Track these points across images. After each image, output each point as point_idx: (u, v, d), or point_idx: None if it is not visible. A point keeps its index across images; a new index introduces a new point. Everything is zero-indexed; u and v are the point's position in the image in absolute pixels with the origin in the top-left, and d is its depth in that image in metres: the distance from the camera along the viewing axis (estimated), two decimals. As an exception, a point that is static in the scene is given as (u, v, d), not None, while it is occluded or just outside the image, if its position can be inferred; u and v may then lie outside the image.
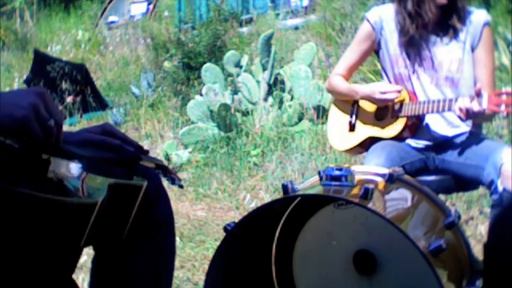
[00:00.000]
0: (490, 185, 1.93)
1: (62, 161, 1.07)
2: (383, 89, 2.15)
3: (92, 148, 1.21)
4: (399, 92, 2.14)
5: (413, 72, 2.16)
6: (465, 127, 2.17)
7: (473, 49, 2.13)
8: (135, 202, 1.15)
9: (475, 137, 2.14)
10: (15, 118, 0.96)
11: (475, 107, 1.91)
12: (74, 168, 1.10)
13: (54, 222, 0.92)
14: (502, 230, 1.91)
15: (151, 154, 1.46)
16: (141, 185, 1.14)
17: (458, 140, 2.17)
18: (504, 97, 1.88)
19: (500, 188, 1.88)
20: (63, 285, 1.08)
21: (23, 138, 0.98)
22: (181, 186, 1.33)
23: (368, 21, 2.23)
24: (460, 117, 1.98)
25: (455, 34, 2.12)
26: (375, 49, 2.27)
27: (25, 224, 0.90)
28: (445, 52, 2.13)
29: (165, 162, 1.41)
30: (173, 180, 1.34)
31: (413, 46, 2.15)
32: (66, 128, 1.29)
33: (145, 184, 1.14)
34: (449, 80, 2.13)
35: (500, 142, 2.16)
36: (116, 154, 1.20)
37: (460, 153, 2.10)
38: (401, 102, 2.16)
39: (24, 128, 0.97)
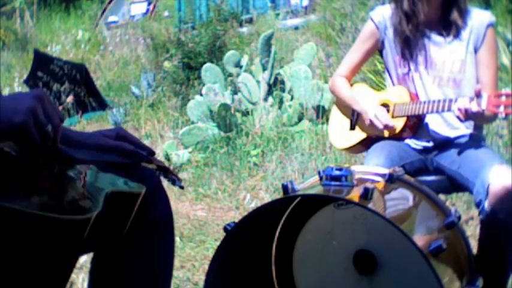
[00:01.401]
0: (479, 204, 1.90)
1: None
2: (379, 114, 2.13)
3: (95, 151, 1.21)
4: (390, 128, 2.12)
5: (416, 73, 2.16)
6: (465, 129, 2.16)
7: (476, 50, 2.11)
8: (133, 209, 1.15)
9: (473, 142, 2.12)
10: (14, 123, 0.95)
11: (474, 107, 1.90)
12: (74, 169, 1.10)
13: (46, 239, 0.90)
14: (490, 247, 1.93)
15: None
16: (139, 192, 1.14)
17: (456, 143, 2.15)
18: (504, 98, 1.86)
19: (487, 209, 1.85)
20: None
21: (21, 143, 0.98)
22: (181, 187, 1.34)
23: (372, 20, 2.22)
24: (458, 118, 1.96)
25: (458, 32, 2.11)
26: (378, 48, 2.27)
27: (15, 240, 0.89)
28: (448, 52, 2.13)
29: (166, 163, 1.42)
30: (174, 181, 1.35)
31: (416, 46, 2.14)
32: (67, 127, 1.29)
33: (143, 191, 1.14)
34: (452, 80, 2.13)
35: (493, 155, 2.08)
36: (130, 159, 1.23)
37: (455, 160, 2.08)
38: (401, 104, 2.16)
39: (22, 133, 0.96)
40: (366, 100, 2.22)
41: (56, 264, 0.95)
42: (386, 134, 2.18)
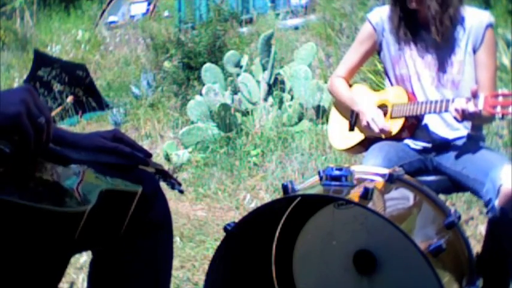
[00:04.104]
0: (488, 203, 1.91)
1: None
2: (376, 118, 2.14)
3: (94, 152, 1.21)
4: (385, 132, 2.13)
5: (414, 74, 2.16)
6: (464, 130, 2.16)
7: (474, 51, 2.10)
8: (130, 207, 1.15)
9: (473, 143, 2.12)
10: (7, 115, 0.94)
11: (471, 108, 1.90)
12: (72, 167, 1.09)
13: (39, 230, 0.89)
14: (496, 247, 1.94)
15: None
16: (135, 191, 1.13)
17: (456, 144, 2.15)
18: (500, 99, 1.85)
19: (497, 207, 1.86)
20: None
21: (14, 137, 0.96)
22: (181, 192, 1.35)
23: (369, 22, 2.22)
24: (455, 118, 1.96)
25: (454, 38, 2.10)
26: (376, 50, 2.27)
27: (7, 231, 0.87)
28: (446, 54, 2.13)
29: (165, 167, 1.41)
30: (173, 185, 1.35)
31: (414, 47, 2.14)
32: (65, 128, 1.29)
33: (140, 190, 1.14)
34: (450, 81, 2.12)
35: (501, 155, 2.10)
36: (127, 160, 1.24)
37: (458, 161, 2.08)
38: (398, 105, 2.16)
39: (16, 125, 0.95)
40: (365, 101, 2.22)
41: (48, 259, 0.94)
42: (383, 136, 2.19)
